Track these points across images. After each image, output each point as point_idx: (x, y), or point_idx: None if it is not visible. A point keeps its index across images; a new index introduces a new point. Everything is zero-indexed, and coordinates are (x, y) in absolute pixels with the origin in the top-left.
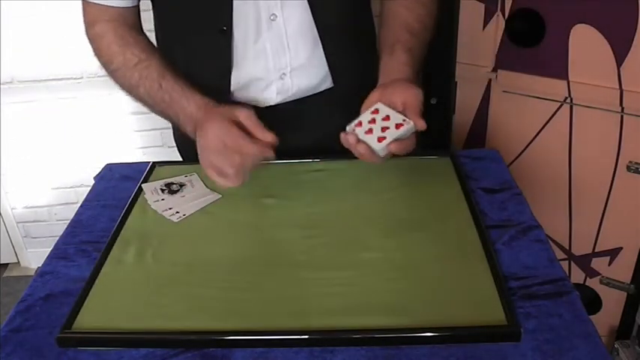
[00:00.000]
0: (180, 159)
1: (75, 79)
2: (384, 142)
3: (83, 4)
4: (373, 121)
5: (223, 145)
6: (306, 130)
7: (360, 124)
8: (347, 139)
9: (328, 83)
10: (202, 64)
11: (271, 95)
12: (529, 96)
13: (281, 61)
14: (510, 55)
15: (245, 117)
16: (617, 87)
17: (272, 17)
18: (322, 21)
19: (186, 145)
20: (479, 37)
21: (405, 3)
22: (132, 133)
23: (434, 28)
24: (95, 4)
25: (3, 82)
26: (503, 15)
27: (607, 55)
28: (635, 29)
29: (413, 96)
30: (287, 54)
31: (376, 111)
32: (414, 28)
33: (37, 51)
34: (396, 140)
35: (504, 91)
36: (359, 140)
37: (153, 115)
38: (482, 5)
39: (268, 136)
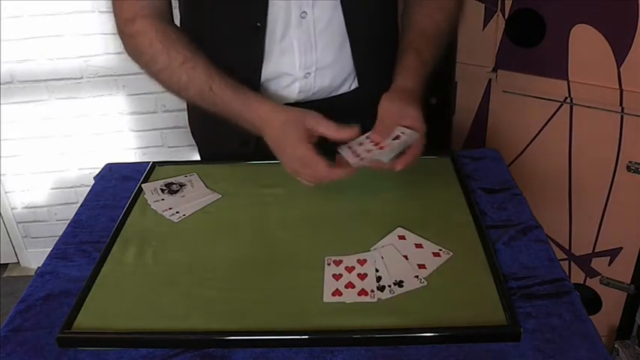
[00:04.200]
0: (181, 159)
1: (75, 79)
2: (386, 151)
3: (118, 1)
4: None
5: (300, 166)
6: None
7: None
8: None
9: (346, 87)
10: (233, 59)
11: (293, 93)
12: (529, 96)
13: (307, 59)
14: (510, 55)
15: (315, 124)
16: (617, 87)
17: (302, 15)
18: (353, 21)
19: (202, 133)
20: (479, 37)
21: (423, 10)
22: (132, 134)
23: (452, 31)
24: None
25: (3, 82)
26: (503, 15)
27: (607, 55)
28: (635, 29)
29: (404, 107)
30: (314, 53)
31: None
32: (428, 31)
33: (37, 51)
34: (399, 150)
35: (504, 91)
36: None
37: (153, 115)
38: (482, 5)
39: (344, 133)
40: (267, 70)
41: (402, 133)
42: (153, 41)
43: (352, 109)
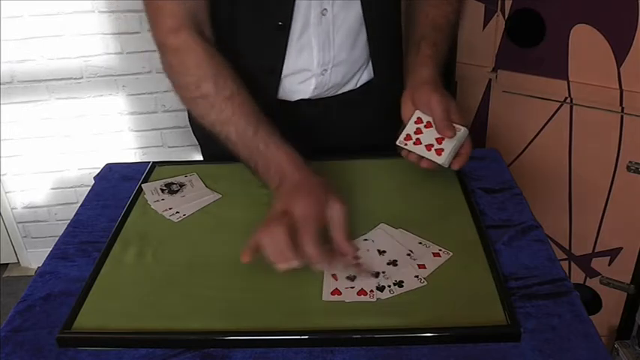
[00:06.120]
0: (181, 159)
1: (75, 79)
2: (445, 155)
3: (158, 3)
4: (419, 131)
5: (292, 239)
6: (335, 127)
7: (409, 137)
8: (409, 157)
9: (353, 84)
10: (254, 58)
11: (308, 89)
12: (529, 96)
13: (325, 56)
14: (510, 55)
15: (335, 213)
16: (617, 87)
17: (323, 12)
18: (370, 16)
19: (205, 132)
20: (479, 37)
21: (431, 2)
22: (132, 134)
23: (458, 24)
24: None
25: (3, 82)
26: (503, 15)
27: (607, 55)
28: (635, 29)
29: (448, 100)
30: (332, 49)
31: (419, 120)
32: (440, 23)
33: (37, 51)
34: (455, 151)
35: (504, 91)
36: (420, 156)
37: (153, 115)
38: (483, 5)
39: (345, 247)
40: (286, 68)
41: (455, 127)
42: (201, 63)
43: (358, 105)
